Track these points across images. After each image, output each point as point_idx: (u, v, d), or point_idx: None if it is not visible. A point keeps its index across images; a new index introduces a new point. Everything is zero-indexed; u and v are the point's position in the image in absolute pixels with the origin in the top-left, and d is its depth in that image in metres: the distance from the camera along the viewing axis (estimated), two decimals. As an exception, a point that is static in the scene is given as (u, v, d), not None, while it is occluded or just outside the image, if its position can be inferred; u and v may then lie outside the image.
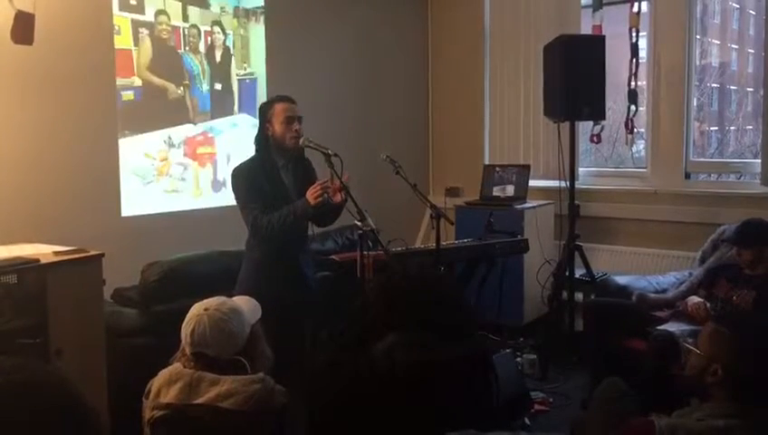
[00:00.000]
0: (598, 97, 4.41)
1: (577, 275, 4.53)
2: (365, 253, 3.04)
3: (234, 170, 3.28)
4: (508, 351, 3.86)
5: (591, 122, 4.97)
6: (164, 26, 4.27)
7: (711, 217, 4.58)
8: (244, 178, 3.18)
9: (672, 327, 3.53)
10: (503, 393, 3.20)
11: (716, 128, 5.73)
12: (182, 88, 4.40)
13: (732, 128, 5.72)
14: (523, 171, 5.31)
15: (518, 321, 4.90)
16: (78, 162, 3.86)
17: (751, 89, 5.45)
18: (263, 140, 3.23)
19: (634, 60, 4.91)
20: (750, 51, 5.54)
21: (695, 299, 3.65)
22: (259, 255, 3.21)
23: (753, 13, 5.43)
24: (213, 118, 4.60)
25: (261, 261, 3.20)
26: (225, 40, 4.65)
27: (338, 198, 3.06)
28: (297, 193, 3.21)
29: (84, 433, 0.95)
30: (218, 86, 4.63)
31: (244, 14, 4.77)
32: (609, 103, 4.67)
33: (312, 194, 3.04)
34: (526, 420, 3.55)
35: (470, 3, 5.84)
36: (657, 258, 4.93)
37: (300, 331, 3.23)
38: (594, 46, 4.46)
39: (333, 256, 3.75)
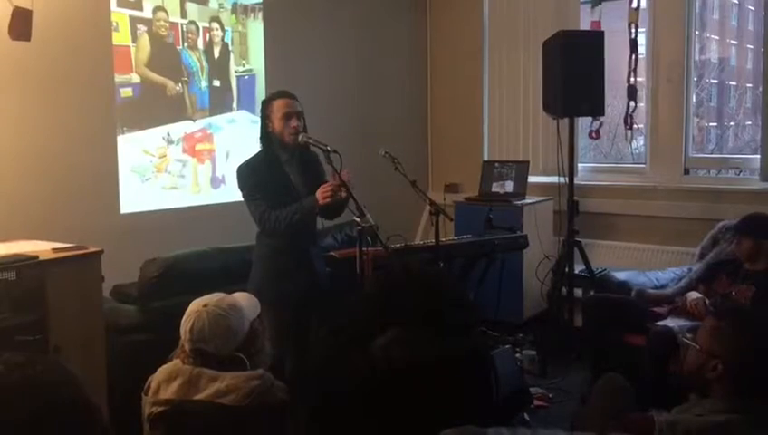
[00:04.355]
0: (597, 93, 4.40)
1: (576, 271, 4.53)
2: (364, 249, 3.04)
3: (239, 166, 3.28)
4: (507, 347, 3.85)
5: (590, 118, 4.97)
6: (162, 23, 4.27)
7: (710, 212, 4.59)
8: (249, 173, 3.18)
9: (671, 323, 3.54)
10: (502, 389, 3.21)
11: (716, 124, 5.73)
12: (181, 84, 4.40)
13: (731, 124, 5.71)
14: (523, 167, 5.31)
15: (517, 317, 4.90)
16: (76, 159, 3.85)
17: (750, 85, 5.44)
18: (264, 135, 3.23)
19: (633, 56, 4.90)
20: (749, 47, 5.54)
21: (694, 295, 3.65)
22: (270, 249, 3.21)
23: (752, 8, 5.43)
24: (211, 114, 4.59)
25: (271, 256, 3.21)
26: (223, 36, 4.65)
27: (342, 193, 3.07)
28: (303, 187, 3.22)
29: (92, 426, 0.95)
30: (217, 83, 4.63)
31: (242, 11, 4.77)
32: (608, 99, 4.66)
33: (322, 194, 3.05)
34: (525, 416, 3.55)
35: (469, -1, 5.83)
36: (656, 254, 4.93)
37: (307, 325, 3.23)
38: (593, 42, 4.45)
39: (332, 253, 3.74)
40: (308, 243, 3.30)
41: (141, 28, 4.16)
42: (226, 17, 4.66)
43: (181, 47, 4.40)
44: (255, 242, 3.29)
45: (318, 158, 3.36)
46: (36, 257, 2.82)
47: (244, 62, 4.80)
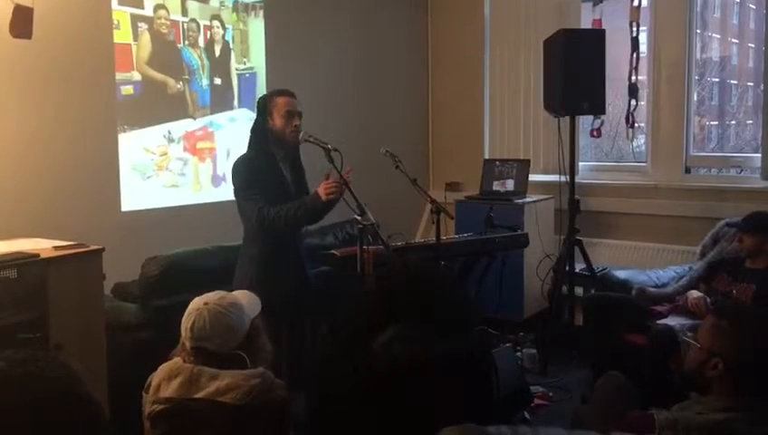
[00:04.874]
0: (598, 91, 4.40)
1: (577, 270, 4.52)
2: (365, 247, 3.04)
3: (235, 163, 3.27)
4: (508, 345, 3.86)
5: (592, 117, 4.97)
6: (163, 20, 4.26)
7: (711, 211, 4.59)
8: (246, 170, 3.16)
9: (672, 321, 3.54)
10: (502, 388, 3.21)
11: (717, 122, 5.73)
12: (181, 83, 4.39)
13: (732, 122, 5.71)
14: (524, 166, 5.31)
15: (518, 315, 4.90)
16: (77, 157, 3.85)
17: (751, 83, 5.44)
18: (261, 132, 3.21)
19: (634, 54, 4.90)
20: (750, 45, 5.53)
21: (695, 294, 3.65)
22: (259, 251, 3.19)
23: (754, 7, 5.42)
24: (212, 113, 4.59)
25: (261, 258, 3.18)
26: (224, 34, 4.64)
27: (343, 189, 3.08)
28: (293, 186, 3.23)
29: (94, 424, 0.95)
30: (218, 81, 4.62)
31: (243, 9, 4.76)
32: (609, 98, 4.65)
33: (325, 190, 3.04)
34: (526, 415, 3.55)
35: (470, -3, 5.83)
36: (657, 253, 4.93)
37: (302, 325, 3.23)
38: (594, 40, 4.44)
39: (333, 251, 3.74)
40: (297, 244, 3.30)
41: (142, 26, 4.15)
42: (227, 15, 4.66)
43: (182, 45, 4.39)
44: (244, 243, 3.26)
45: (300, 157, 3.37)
46: (37, 255, 2.82)
47: (245, 60, 4.80)
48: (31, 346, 2.68)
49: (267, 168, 3.16)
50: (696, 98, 5.12)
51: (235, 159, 3.27)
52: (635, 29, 4.89)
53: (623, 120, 5.07)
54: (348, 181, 3.03)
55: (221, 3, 4.61)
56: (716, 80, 5.60)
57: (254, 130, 3.26)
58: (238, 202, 3.19)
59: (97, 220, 3.79)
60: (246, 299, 2.14)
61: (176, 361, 2.01)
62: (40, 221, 3.51)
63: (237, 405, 1.88)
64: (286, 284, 3.16)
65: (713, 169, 5.15)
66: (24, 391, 0.90)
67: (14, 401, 0.88)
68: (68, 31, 3.77)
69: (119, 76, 4.06)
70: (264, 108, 3.22)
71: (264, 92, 4.31)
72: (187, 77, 4.42)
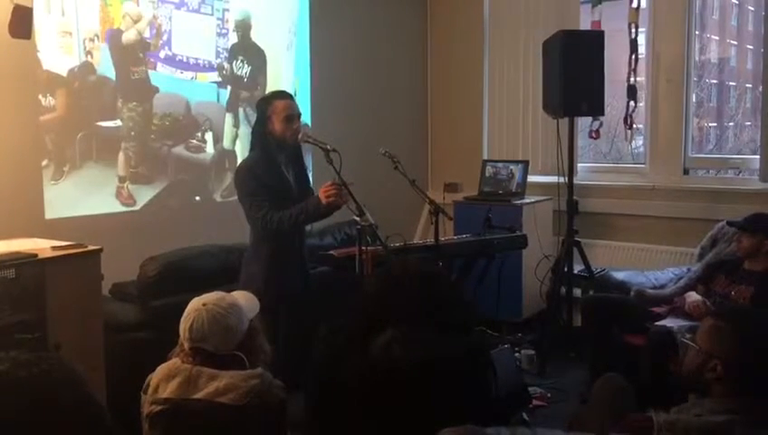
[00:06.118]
0: (597, 93, 4.40)
1: (575, 271, 4.53)
2: (364, 248, 3.04)
3: (238, 168, 3.28)
4: (506, 346, 3.85)
5: (590, 118, 4.97)
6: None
7: (709, 213, 4.59)
8: (251, 174, 3.17)
9: (670, 323, 3.53)
10: (501, 389, 3.20)
11: (715, 124, 5.74)
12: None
13: (730, 124, 5.72)
14: (522, 167, 5.30)
15: (516, 316, 4.90)
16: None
17: (749, 85, 5.44)
18: (261, 135, 3.22)
19: (633, 56, 4.90)
20: (749, 47, 5.54)
21: (693, 296, 3.65)
22: (267, 253, 3.20)
23: (752, 9, 5.43)
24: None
25: (270, 259, 3.19)
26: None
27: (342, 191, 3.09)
28: (295, 186, 3.24)
29: (97, 424, 0.95)
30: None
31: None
32: (608, 99, 4.66)
33: (325, 194, 3.05)
34: (524, 416, 3.55)
35: (469, -2, 5.83)
36: (655, 254, 4.94)
37: (302, 325, 3.24)
38: (593, 42, 4.45)
39: (332, 252, 3.74)
40: (301, 245, 3.33)
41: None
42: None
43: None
44: (252, 245, 3.28)
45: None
46: (35, 255, 2.82)
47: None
48: (29, 346, 2.68)
49: (269, 172, 3.17)
50: (694, 99, 5.13)
51: (239, 165, 3.27)
52: (634, 30, 4.89)
53: (622, 122, 5.07)
54: (347, 183, 3.04)
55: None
56: (715, 81, 5.61)
57: (254, 133, 3.28)
58: (244, 208, 3.20)
59: (95, 220, 3.79)
60: (245, 299, 2.15)
61: (174, 361, 2.01)
62: (38, 221, 3.51)
63: (236, 406, 1.88)
64: (291, 283, 3.20)
65: (711, 171, 5.15)
66: (29, 392, 0.90)
67: (18, 403, 0.89)
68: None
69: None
70: (263, 111, 3.22)
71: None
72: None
